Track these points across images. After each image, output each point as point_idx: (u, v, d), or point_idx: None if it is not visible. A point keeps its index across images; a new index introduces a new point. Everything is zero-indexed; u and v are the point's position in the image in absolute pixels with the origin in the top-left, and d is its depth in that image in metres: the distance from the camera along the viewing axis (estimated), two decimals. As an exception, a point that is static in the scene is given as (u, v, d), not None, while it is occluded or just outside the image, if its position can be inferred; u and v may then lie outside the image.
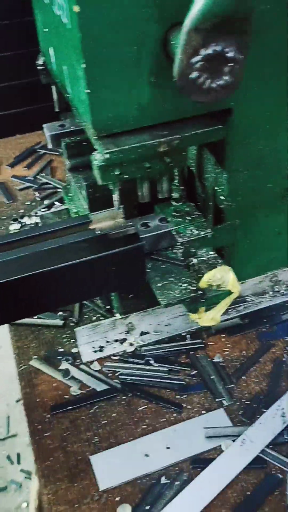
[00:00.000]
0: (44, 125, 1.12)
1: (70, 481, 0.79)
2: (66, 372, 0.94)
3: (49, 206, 1.33)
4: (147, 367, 0.93)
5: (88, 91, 0.70)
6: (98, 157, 0.74)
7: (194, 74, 0.62)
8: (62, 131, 1.09)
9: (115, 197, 0.81)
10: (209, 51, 0.61)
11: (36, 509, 1.52)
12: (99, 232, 0.81)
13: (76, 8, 0.64)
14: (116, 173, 0.76)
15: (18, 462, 2.10)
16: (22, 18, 1.48)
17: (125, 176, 0.77)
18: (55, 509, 0.76)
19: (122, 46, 0.68)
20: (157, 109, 0.74)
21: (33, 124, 1.61)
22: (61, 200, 1.34)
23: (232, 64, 0.62)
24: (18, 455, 2.12)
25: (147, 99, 0.73)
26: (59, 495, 0.78)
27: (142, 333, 0.98)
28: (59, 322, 1.03)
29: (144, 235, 0.82)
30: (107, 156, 0.73)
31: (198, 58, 0.61)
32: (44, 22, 0.90)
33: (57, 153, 1.51)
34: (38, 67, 1.04)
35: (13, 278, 0.77)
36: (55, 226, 0.84)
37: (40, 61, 1.03)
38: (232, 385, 0.90)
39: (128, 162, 0.75)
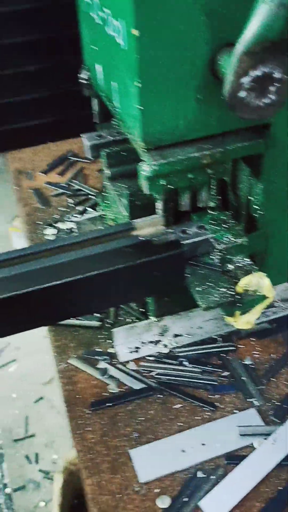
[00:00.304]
0: (82, 135, 1.18)
1: (111, 473, 0.84)
2: (104, 371, 0.99)
3: (82, 212, 1.38)
4: (181, 368, 0.98)
5: (141, 107, 0.75)
6: (146, 168, 0.80)
7: (243, 94, 0.67)
8: (100, 141, 1.15)
9: (159, 205, 0.87)
10: (258, 72, 0.66)
11: (59, 505, 1.56)
12: (142, 238, 0.86)
13: (135, 32, 0.69)
14: (161, 183, 0.81)
15: (36, 462, 2.15)
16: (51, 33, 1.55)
17: (169, 186, 0.82)
18: (98, 499, 0.81)
19: (174, 66, 0.73)
20: (202, 123, 0.80)
21: (64, 133, 1.69)
22: (93, 207, 1.39)
23: (278, 84, 0.67)
24: (36, 455, 2.16)
25: (193, 115, 0.78)
26: (102, 486, 0.82)
27: (176, 335, 1.03)
28: (96, 323, 1.08)
29: (184, 242, 0.87)
30: (155, 167, 0.78)
31: (247, 78, 0.66)
32: (93, 40, 0.96)
33: (88, 161, 1.57)
34: (81, 81, 1.10)
35: (61, 281, 0.82)
36: (101, 231, 0.89)
37: (84, 75, 1.09)
38: (263, 387, 0.94)
39: (173, 173, 0.80)
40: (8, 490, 2.07)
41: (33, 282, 0.82)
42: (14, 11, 1.47)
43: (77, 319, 1.08)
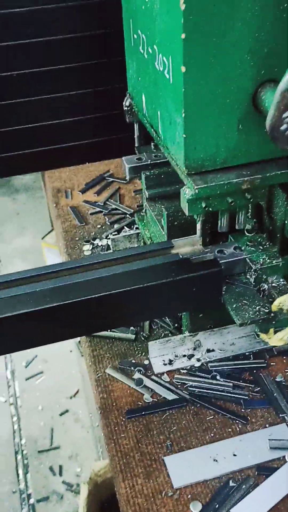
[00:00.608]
0: (123, 158, 1.25)
1: (145, 477, 0.88)
2: (139, 381, 1.03)
3: (118, 230, 1.45)
4: (214, 381, 1.02)
5: (185, 135, 0.82)
6: (187, 192, 0.85)
7: (284, 127, 0.73)
8: (139, 164, 1.21)
9: (198, 226, 0.92)
10: (298, 107, 0.71)
11: (84, 516, 1.59)
12: (182, 256, 0.92)
13: (183, 69, 0.76)
14: (202, 205, 0.87)
15: (60, 474, 2.18)
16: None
17: (209, 209, 0.87)
18: (133, 501, 0.85)
19: (218, 99, 0.79)
20: (243, 152, 0.86)
21: (101, 154, 1.77)
22: (129, 225, 1.46)
23: (316, 119, 0.73)
24: (60, 467, 2.20)
25: (234, 143, 0.84)
26: (136, 490, 0.87)
27: (208, 350, 1.07)
28: (131, 336, 1.13)
29: (222, 261, 0.92)
30: (197, 191, 0.84)
31: (288, 113, 0.72)
32: (139, 71, 1.03)
33: (124, 182, 1.64)
34: (125, 108, 1.17)
35: (103, 294, 0.88)
36: (142, 248, 0.95)
37: (127, 102, 1.17)
38: (293, 403, 0.98)
39: (213, 196, 0.86)
40: (31, 501, 2.11)
41: (76, 293, 0.88)
42: (64, 39, 1.57)
43: (112, 332, 1.14)
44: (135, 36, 1.02)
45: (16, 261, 3.11)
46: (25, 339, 0.90)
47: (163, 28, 0.83)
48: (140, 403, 1.00)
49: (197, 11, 0.73)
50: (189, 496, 0.85)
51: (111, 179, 1.67)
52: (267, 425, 0.94)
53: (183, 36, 0.75)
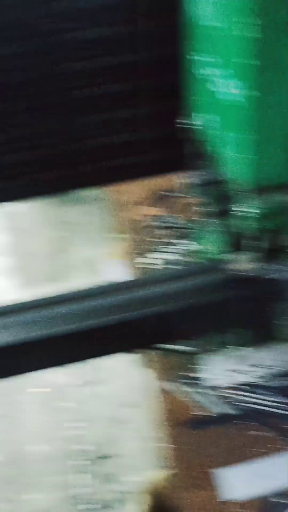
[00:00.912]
0: (185, 174, 1.28)
1: (199, 488, 0.90)
2: (197, 394, 1.05)
3: (175, 244, 1.47)
4: (270, 398, 1.02)
5: (252, 156, 0.84)
6: (248, 209, 0.87)
7: None
8: (199, 180, 1.24)
9: (256, 243, 0.93)
10: None
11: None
12: (239, 272, 0.93)
13: (255, 93, 0.79)
14: (261, 223, 0.88)
15: (117, 482, 2.19)
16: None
17: (268, 226, 0.89)
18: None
19: (282, 122, 0.81)
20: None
21: (162, 169, 1.80)
22: (185, 239, 1.47)
23: None
24: (117, 475, 2.21)
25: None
26: (187, 501, 0.88)
27: (266, 366, 1.07)
28: (191, 349, 1.14)
29: (277, 278, 0.92)
30: (256, 209, 0.86)
31: None
32: (202, 92, 1.06)
33: (181, 197, 1.66)
34: (187, 126, 1.20)
35: (159, 311, 0.91)
36: (199, 265, 0.97)
37: (190, 120, 1.20)
38: None
39: (272, 214, 0.87)
40: (88, 507, 2.14)
41: (132, 310, 0.91)
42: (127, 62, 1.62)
43: (173, 345, 1.15)
44: (198, 57, 1.04)
45: (79, 272, 3.19)
46: (89, 352, 0.95)
47: (234, 53, 0.85)
48: (196, 416, 1.02)
49: (269, 40, 0.76)
50: (238, 509, 0.86)
51: (169, 194, 1.69)
52: None
53: (256, 62, 0.78)
